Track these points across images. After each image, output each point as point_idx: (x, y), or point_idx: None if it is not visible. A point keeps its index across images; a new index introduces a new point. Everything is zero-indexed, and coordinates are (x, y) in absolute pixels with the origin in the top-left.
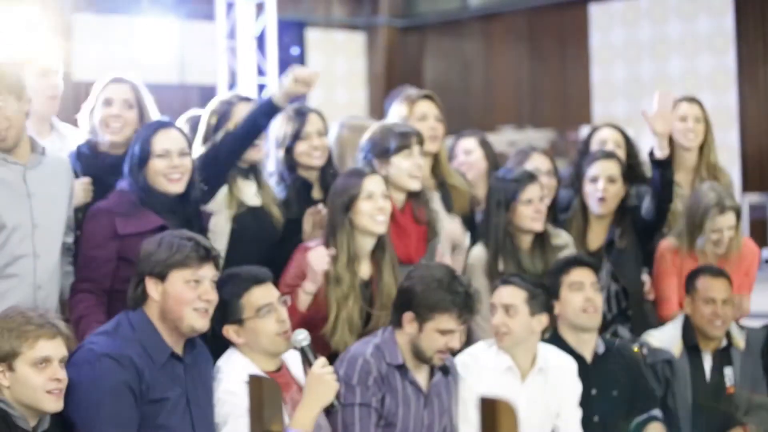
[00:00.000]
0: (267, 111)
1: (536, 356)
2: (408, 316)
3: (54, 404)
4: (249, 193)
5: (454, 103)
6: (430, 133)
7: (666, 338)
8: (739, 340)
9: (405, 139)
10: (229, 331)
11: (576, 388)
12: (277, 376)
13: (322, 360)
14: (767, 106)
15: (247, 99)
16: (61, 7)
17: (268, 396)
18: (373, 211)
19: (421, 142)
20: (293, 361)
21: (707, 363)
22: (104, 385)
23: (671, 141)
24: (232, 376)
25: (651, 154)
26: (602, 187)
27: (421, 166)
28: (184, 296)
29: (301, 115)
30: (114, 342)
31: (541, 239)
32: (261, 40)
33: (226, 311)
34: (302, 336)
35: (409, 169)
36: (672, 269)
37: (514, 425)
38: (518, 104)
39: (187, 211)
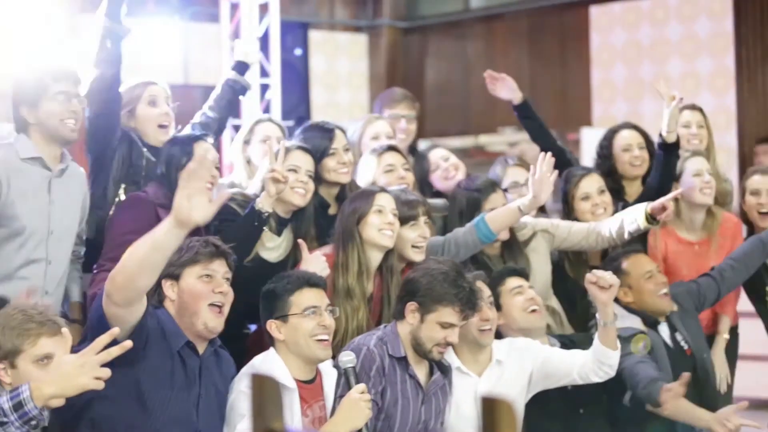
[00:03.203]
0: (253, 218)
1: (492, 351)
2: (411, 306)
3: (56, 400)
4: (266, 245)
5: (455, 104)
6: (398, 183)
7: (629, 320)
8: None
9: (412, 209)
10: (272, 326)
11: (539, 348)
12: (307, 387)
13: (362, 386)
14: (766, 108)
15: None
16: (69, 7)
17: (269, 394)
18: (382, 225)
19: (427, 212)
20: (329, 378)
21: (665, 333)
22: None
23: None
24: (262, 371)
25: (660, 136)
26: (596, 203)
27: (427, 237)
28: (198, 290)
29: (327, 131)
30: None
31: (509, 243)
32: (264, 41)
33: (275, 306)
34: (349, 358)
35: (414, 240)
36: (654, 251)
37: (514, 425)
38: None
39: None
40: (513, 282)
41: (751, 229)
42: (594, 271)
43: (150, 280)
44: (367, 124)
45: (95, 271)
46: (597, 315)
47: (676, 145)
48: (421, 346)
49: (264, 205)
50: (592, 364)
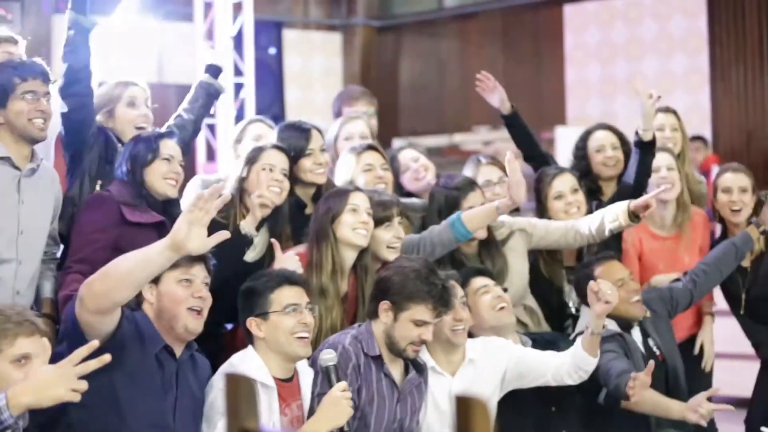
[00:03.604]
0: (239, 242)
1: (465, 350)
2: (384, 305)
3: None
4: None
5: (429, 102)
6: (376, 182)
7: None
8: (644, 308)
9: (386, 210)
10: (252, 323)
11: (513, 347)
12: (285, 386)
13: (343, 384)
14: (740, 107)
15: (280, 148)
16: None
17: (244, 394)
18: (356, 225)
19: (401, 213)
20: (306, 377)
21: (637, 338)
22: None
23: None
24: (241, 370)
25: (636, 134)
26: (569, 201)
27: (401, 238)
28: (178, 295)
29: (304, 131)
30: None
31: (486, 242)
32: (238, 40)
33: (255, 303)
34: (329, 356)
35: (389, 241)
36: (632, 250)
37: (488, 423)
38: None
39: (174, 214)
40: (478, 282)
41: (725, 227)
42: (599, 281)
43: (128, 295)
44: (343, 124)
45: (64, 273)
46: (586, 323)
47: (652, 143)
48: (396, 345)
49: (249, 228)
50: (569, 367)
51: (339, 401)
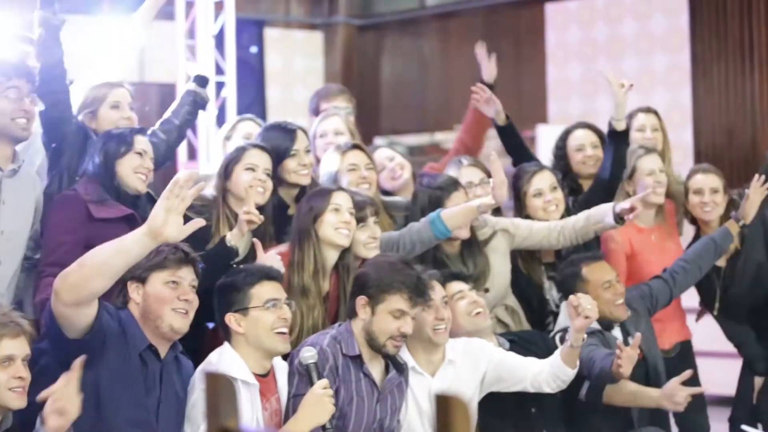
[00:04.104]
0: (224, 254)
1: (445, 351)
2: (361, 301)
3: (17, 402)
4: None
5: (411, 101)
6: (360, 182)
7: None
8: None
9: (360, 211)
10: (231, 319)
11: (494, 350)
12: (263, 381)
13: (324, 381)
14: (720, 104)
15: (262, 147)
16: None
17: (224, 393)
18: (338, 224)
19: (376, 212)
20: (281, 371)
21: (618, 336)
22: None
23: None
24: (222, 368)
25: (610, 124)
26: (548, 199)
27: (377, 237)
28: (164, 296)
29: (289, 132)
30: None
31: (469, 242)
32: (219, 39)
33: (234, 299)
34: (310, 354)
35: (365, 241)
36: (618, 247)
37: (468, 422)
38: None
39: (147, 210)
40: (454, 287)
41: (699, 228)
42: (579, 295)
43: (104, 285)
44: (319, 121)
45: (39, 277)
46: (567, 335)
47: (625, 133)
48: (375, 341)
49: (235, 240)
50: (547, 375)
51: (321, 399)
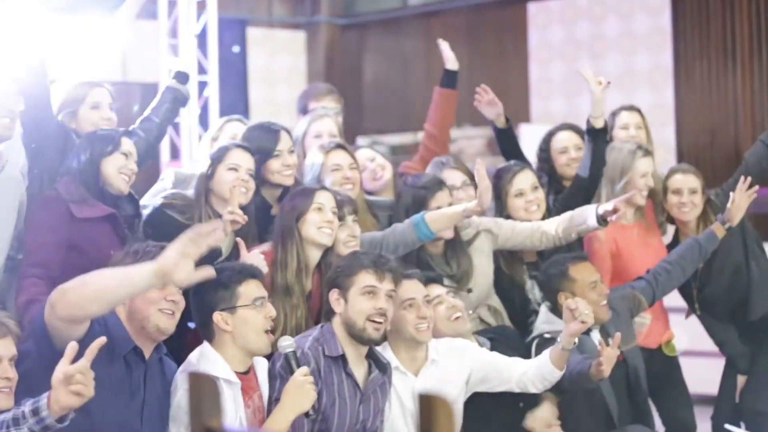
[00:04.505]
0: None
1: (428, 350)
2: (333, 295)
3: (4, 402)
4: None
5: (394, 101)
6: (343, 182)
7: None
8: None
9: (339, 210)
10: (219, 318)
11: (479, 350)
12: (244, 379)
13: (304, 369)
14: (703, 104)
15: (244, 147)
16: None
17: (207, 393)
18: (321, 223)
19: (355, 211)
20: (262, 367)
21: (596, 339)
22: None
23: None
24: (203, 368)
25: (588, 121)
26: (530, 199)
27: (356, 236)
28: (150, 296)
29: (273, 132)
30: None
31: (452, 242)
32: (202, 38)
33: (221, 297)
34: (287, 343)
35: (344, 240)
36: (603, 246)
37: (451, 421)
38: (457, 102)
39: (127, 210)
40: (432, 291)
41: (677, 228)
42: (576, 299)
43: (100, 311)
44: (311, 121)
45: (21, 278)
46: (558, 337)
47: (604, 130)
48: (355, 327)
49: (219, 241)
50: (534, 376)
51: (302, 385)
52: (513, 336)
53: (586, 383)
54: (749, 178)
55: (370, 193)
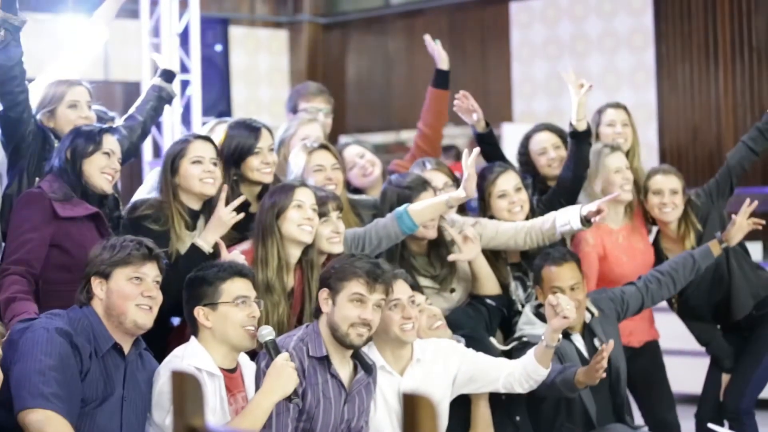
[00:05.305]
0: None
1: (414, 350)
2: (323, 294)
3: None
4: (187, 244)
5: (376, 99)
6: (326, 183)
7: (541, 329)
8: (593, 308)
9: (322, 206)
10: (200, 313)
11: (465, 350)
12: (230, 376)
13: (285, 354)
14: (685, 104)
15: (205, 138)
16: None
17: (190, 390)
18: (301, 221)
19: (339, 207)
20: (249, 369)
21: (579, 343)
22: (51, 350)
23: None
24: (185, 361)
25: (571, 124)
26: (513, 200)
27: (340, 232)
28: (127, 292)
29: (254, 129)
30: (62, 321)
31: (436, 243)
32: (184, 37)
33: (204, 293)
34: (267, 331)
35: (328, 236)
36: (591, 249)
37: (434, 421)
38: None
39: (109, 209)
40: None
41: (659, 229)
42: (558, 295)
43: None
44: (300, 125)
45: (2, 275)
46: (543, 335)
47: (587, 132)
48: (338, 331)
49: (208, 244)
50: (520, 376)
51: (284, 369)
52: (484, 340)
53: (569, 392)
54: (755, 202)
55: (358, 190)
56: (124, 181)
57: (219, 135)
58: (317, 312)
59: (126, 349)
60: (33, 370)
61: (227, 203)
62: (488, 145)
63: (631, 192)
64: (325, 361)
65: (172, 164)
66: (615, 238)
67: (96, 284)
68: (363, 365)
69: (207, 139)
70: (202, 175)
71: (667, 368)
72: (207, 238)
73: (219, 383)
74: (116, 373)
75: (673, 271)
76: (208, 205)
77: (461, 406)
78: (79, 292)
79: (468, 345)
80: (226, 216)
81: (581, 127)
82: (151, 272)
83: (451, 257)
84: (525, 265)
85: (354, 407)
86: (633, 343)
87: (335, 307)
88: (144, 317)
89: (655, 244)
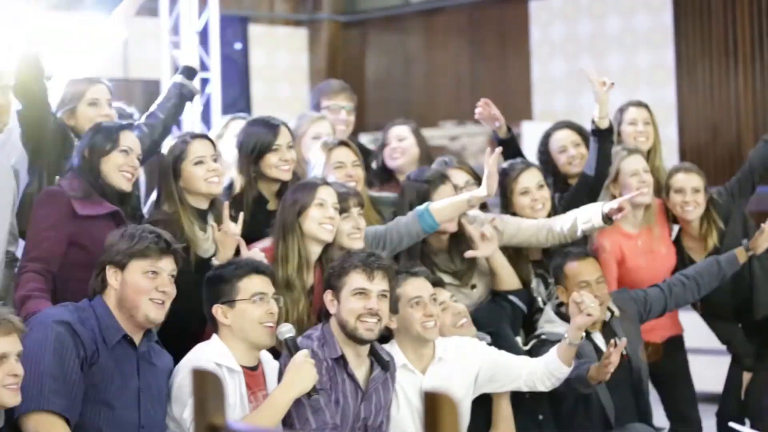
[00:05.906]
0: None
1: (435, 348)
2: (328, 296)
3: (11, 399)
4: (203, 246)
5: (396, 98)
6: (346, 180)
7: (561, 328)
8: (614, 308)
9: (343, 202)
10: (218, 311)
11: (486, 349)
12: (251, 374)
13: (305, 351)
14: (705, 102)
15: (203, 136)
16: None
17: (211, 388)
18: (323, 219)
19: (360, 204)
20: (270, 367)
21: (599, 341)
22: (48, 346)
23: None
24: (206, 357)
25: (593, 122)
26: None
27: (361, 228)
28: (142, 286)
29: (273, 126)
30: (70, 313)
31: (456, 238)
32: (204, 36)
33: (221, 290)
34: (286, 329)
35: (348, 231)
36: (609, 255)
37: (455, 419)
38: (459, 99)
39: (132, 207)
40: (438, 297)
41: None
42: (582, 292)
43: None
44: (310, 123)
45: (19, 273)
46: (566, 332)
47: (609, 130)
48: (347, 327)
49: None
50: (542, 374)
51: (303, 365)
52: (508, 337)
53: (583, 388)
54: None
55: (388, 170)
56: (145, 179)
57: (232, 132)
58: (326, 315)
59: (137, 340)
60: (30, 372)
61: (235, 206)
62: (510, 150)
63: (649, 195)
64: (341, 361)
65: (174, 169)
66: (634, 242)
67: (111, 273)
68: (379, 361)
69: (203, 136)
70: (206, 175)
71: (690, 367)
72: (221, 258)
73: (239, 379)
74: (128, 365)
75: (698, 276)
76: (215, 203)
77: (483, 404)
78: (92, 279)
79: (493, 343)
80: (232, 231)
81: (603, 124)
82: (167, 267)
83: (467, 254)
84: (547, 262)
85: (371, 405)
86: (655, 339)
87: (340, 305)
88: (156, 311)
89: (677, 242)
